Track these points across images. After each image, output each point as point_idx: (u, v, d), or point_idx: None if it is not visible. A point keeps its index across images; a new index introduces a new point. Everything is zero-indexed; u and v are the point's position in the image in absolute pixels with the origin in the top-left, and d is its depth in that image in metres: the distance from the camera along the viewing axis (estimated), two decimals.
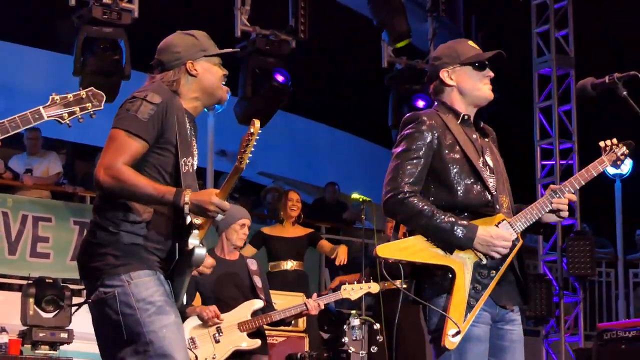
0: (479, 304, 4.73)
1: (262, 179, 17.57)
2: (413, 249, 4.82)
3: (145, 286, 4.49)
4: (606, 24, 15.07)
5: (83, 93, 4.69)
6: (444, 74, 5.01)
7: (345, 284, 8.57)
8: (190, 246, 4.52)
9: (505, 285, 4.85)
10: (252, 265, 8.16)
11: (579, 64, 14.57)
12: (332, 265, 13.06)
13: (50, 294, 10.14)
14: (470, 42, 5.13)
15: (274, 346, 9.04)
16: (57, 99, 4.67)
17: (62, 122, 4.63)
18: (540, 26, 15.11)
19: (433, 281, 4.82)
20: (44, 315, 10.03)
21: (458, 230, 4.70)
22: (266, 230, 10.49)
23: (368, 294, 8.72)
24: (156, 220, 4.57)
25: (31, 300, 10.05)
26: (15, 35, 16.41)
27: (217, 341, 7.82)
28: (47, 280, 10.28)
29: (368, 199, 9.86)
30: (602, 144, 5.05)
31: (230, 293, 7.96)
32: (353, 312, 9.24)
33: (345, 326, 9.27)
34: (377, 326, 9.25)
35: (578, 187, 4.97)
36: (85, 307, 11.54)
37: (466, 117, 4.98)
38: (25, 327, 10.01)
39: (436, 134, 4.85)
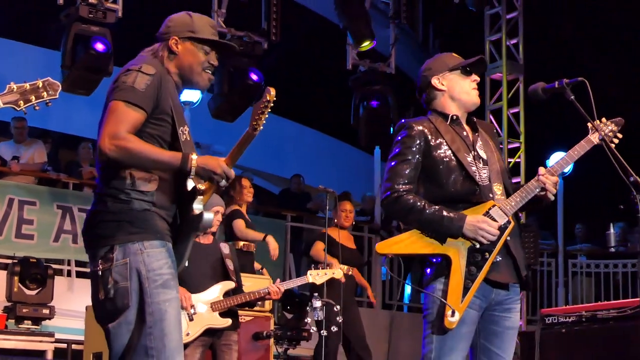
0: (475, 285, 4.76)
1: (233, 170, 17.53)
2: (407, 241, 4.92)
3: (156, 257, 4.32)
4: (553, 33, 15.12)
5: (40, 83, 4.60)
6: (435, 81, 5.09)
7: (311, 268, 8.60)
8: (197, 211, 4.38)
9: (502, 265, 4.87)
10: (225, 249, 8.15)
11: (527, 70, 14.65)
12: (296, 251, 13.10)
13: (34, 272, 10.12)
14: (454, 54, 5.22)
15: (242, 325, 9.03)
16: (14, 88, 4.58)
17: (18, 109, 4.55)
18: (492, 34, 15.17)
19: (431, 267, 4.88)
20: (28, 292, 9.99)
21: (447, 220, 4.77)
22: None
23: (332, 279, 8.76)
24: (162, 187, 4.39)
25: (16, 278, 10.01)
26: (6, 30, 16.32)
27: (191, 319, 7.79)
28: (31, 260, 10.26)
29: (331, 190, 9.85)
30: (589, 124, 5.06)
31: (204, 274, 7.94)
32: (315, 294, 9.23)
33: (307, 307, 9.27)
34: (337, 308, 9.27)
35: (566, 167, 5.04)
36: (66, 284, 11.53)
37: (455, 117, 5.07)
38: (10, 303, 9.98)
39: (424, 138, 4.96)
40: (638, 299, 7.59)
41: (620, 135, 5.10)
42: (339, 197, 10.56)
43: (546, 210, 5.03)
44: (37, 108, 4.57)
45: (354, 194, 16.36)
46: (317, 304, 9.06)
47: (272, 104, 4.42)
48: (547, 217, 15.24)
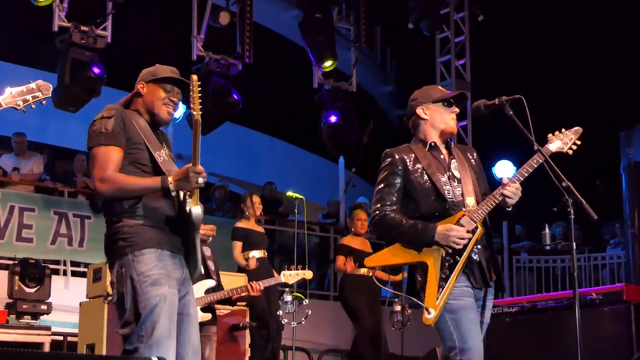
0: (449, 285, 4.85)
1: (211, 178, 17.51)
2: (389, 254, 5.10)
3: (145, 262, 4.59)
4: (497, 55, 15.21)
5: (33, 85, 4.72)
6: (419, 110, 5.20)
7: (284, 269, 8.68)
8: (187, 210, 4.61)
9: (475, 269, 4.98)
10: (207, 251, 8.15)
11: (474, 88, 14.71)
12: (270, 249, 13.08)
13: (33, 272, 10.07)
14: (440, 87, 5.35)
15: (220, 318, 9.02)
16: (12, 92, 4.69)
17: (18, 108, 4.67)
18: (442, 56, 15.24)
19: (420, 275, 4.98)
20: (27, 290, 9.94)
21: (421, 231, 4.92)
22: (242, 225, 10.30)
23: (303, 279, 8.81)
24: (154, 204, 4.67)
25: (16, 277, 9.97)
26: (4, 54, 16.24)
27: None
28: (30, 261, 10.21)
29: (300, 196, 9.88)
30: (549, 135, 5.17)
31: None
32: (286, 289, 9.25)
33: (279, 301, 9.27)
34: (305, 302, 9.29)
35: (527, 175, 5.03)
36: (62, 283, 11.47)
37: (433, 144, 5.17)
38: (11, 300, 9.92)
39: (403, 164, 5.10)
40: (571, 291, 7.66)
41: (579, 142, 5.18)
42: (353, 207, 10.75)
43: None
44: (33, 107, 4.68)
45: (320, 200, 16.43)
46: (288, 298, 9.09)
47: (199, 87, 4.58)
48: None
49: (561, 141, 5.14)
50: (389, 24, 17.42)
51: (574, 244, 4.94)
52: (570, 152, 5.16)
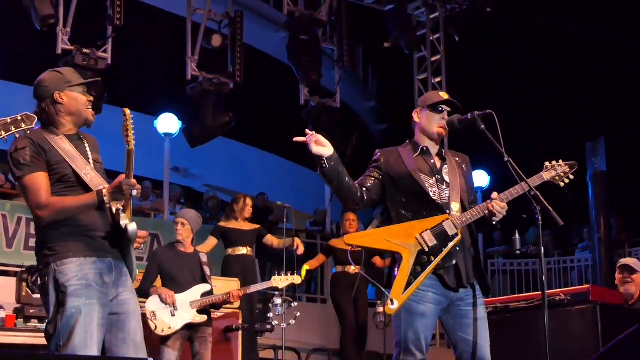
0: (417, 282, 4.77)
1: (206, 190, 17.50)
2: (372, 237, 5.07)
3: (64, 272, 4.43)
4: (470, 73, 15.26)
5: (19, 117, 4.60)
6: (414, 114, 5.18)
7: (275, 274, 8.68)
8: (123, 225, 4.49)
9: (450, 271, 4.90)
10: (204, 257, 8.19)
11: None
12: (262, 256, 13.07)
13: (35, 278, 10.04)
14: (441, 93, 5.27)
15: (215, 320, 9.02)
16: None
17: (0, 137, 4.60)
18: (420, 74, 15.30)
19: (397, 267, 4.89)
20: (34, 295, 9.90)
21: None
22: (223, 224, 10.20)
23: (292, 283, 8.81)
24: (86, 214, 4.51)
25: (24, 284, 9.93)
26: (12, 75, 16.23)
27: (173, 315, 7.79)
28: (39, 269, 10.17)
29: (288, 206, 9.88)
30: (547, 163, 5.14)
31: (186, 278, 7.96)
32: (277, 293, 9.25)
33: (270, 304, 9.27)
34: (294, 304, 9.29)
35: (516, 195, 5.00)
36: None
37: (425, 148, 5.11)
38: (19, 305, 9.89)
39: (388, 160, 5.07)
40: (541, 292, 7.66)
41: (572, 177, 5.16)
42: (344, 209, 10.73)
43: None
44: (17, 136, 4.61)
45: (307, 209, 16.44)
46: (278, 301, 9.09)
47: (131, 121, 4.46)
48: None
49: (556, 172, 5.12)
50: (370, 44, 17.46)
51: (543, 248, 4.95)
52: (562, 184, 5.13)
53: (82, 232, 4.49)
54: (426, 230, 4.86)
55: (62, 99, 4.68)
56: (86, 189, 4.54)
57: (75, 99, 4.70)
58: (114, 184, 4.44)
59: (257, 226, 10.10)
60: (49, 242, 4.48)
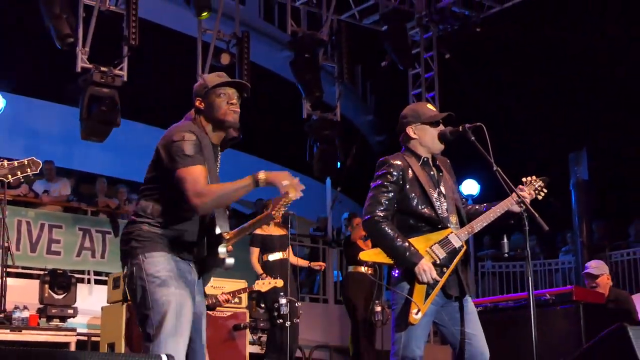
0: (435, 291, 4.78)
1: None
2: (384, 254, 4.90)
3: (154, 263, 4.30)
4: (460, 89, 15.28)
5: (25, 161, 4.61)
6: (409, 130, 5.05)
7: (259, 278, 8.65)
8: (222, 256, 4.32)
9: (453, 281, 4.89)
10: None
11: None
12: None
13: (61, 281, 10.07)
14: (429, 105, 5.21)
15: (223, 318, 9.03)
16: (5, 164, 4.61)
17: (6, 180, 4.57)
18: (414, 89, 15.29)
19: (399, 271, 4.88)
20: (56, 296, 9.94)
21: (408, 258, 4.77)
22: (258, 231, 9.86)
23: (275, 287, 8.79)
24: (177, 217, 4.36)
25: (46, 285, 9.96)
26: (35, 92, 16.27)
27: None
28: (58, 271, 10.20)
29: (292, 212, 9.86)
30: (524, 179, 5.13)
31: None
32: (281, 293, 9.21)
33: (275, 304, 9.25)
34: (298, 304, 9.27)
35: (500, 214, 5.00)
36: (86, 290, 11.45)
37: (425, 159, 5.04)
38: (42, 305, 9.91)
39: (401, 174, 4.92)
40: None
41: (545, 191, 5.13)
42: (352, 214, 10.65)
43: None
44: (21, 180, 4.58)
45: (309, 216, 16.42)
46: (283, 301, 9.07)
47: (287, 202, 4.50)
48: None
49: (534, 187, 5.10)
50: (368, 62, 17.48)
51: (529, 251, 4.95)
52: (540, 197, 5.10)
53: (174, 236, 4.37)
54: (435, 243, 4.86)
55: (202, 105, 4.52)
56: None
57: (214, 103, 4.50)
58: (277, 174, 4.34)
59: (286, 231, 9.94)
60: (139, 236, 4.36)
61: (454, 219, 4.97)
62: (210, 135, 4.52)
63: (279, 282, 8.65)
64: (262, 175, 4.31)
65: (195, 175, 4.26)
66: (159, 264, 4.32)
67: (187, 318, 4.32)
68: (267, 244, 9.77)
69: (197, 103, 4.51)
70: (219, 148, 4.63)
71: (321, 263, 10.04)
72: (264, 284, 8.55)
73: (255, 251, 9.74)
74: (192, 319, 4.37)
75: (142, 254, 4.33)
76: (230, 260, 4.36)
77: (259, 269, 9.59)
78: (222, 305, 8.40)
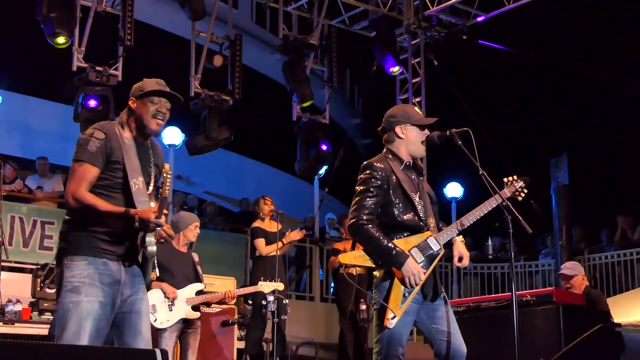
0: (411, 296, 4.75)
1: (206, 196, 17.47)
2: (364, 257, 4.85)
3: (71, 267, 4.27)
4: (447, 94, 15.29)
5: None
6: (398, 129, 4.98)
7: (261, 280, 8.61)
8: (147, 244, 4.29)
9: (429, 283, 4.86)
10: (195, 257, 8.13)
11: None
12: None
13: (53, 275, 10.00)
14: (417, 108, 5.13)
15: (212, 315, 8.99)
16: None
17: None
18: (402, 94, 15.29)
19: (382, 273, 4.84)
20: (48, 290, 9.87)
21: (394, 255, 4.72)
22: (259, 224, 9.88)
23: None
24: (106, 220, 4.30)
25: (39, 280, 9.90)
26: (31, 90, 16.21)
27: (171, 310, 7.75)
28: (50, 266, 10.13)
29: (281, 211, 9.82)
30: (505, 179, 5.09)
31: (179, 276, 7.90)
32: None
33: (263, 301, 9.21)
34: (285, 301, 9.25)
35: (484, 213, 4.96)
36: None
37: (408, 163, 4.99)
38: (34, 299, 9.86)
39: (386, 179, 4.86)
40: (509, 293, 7.68)
41: (526, 191, 5.09)
42: (342, 217, 10.61)
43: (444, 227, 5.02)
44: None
45: (298, 215, 16.39)
46: (271, 297, 9.03)
47: (169, 176, 4.32)
48: None
49: (515, 187, 5.05)
50: (357, 66, 17.48)
51: (512, 253, 4.95)
52: (520, 198, 5.06)
53: (101, 234, 4.31)
54: (413, 247, 4.83)
55: (133, 105, 4.53)
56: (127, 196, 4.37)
57: (143, 107, 4.50)
58: (146, 213, 4.23)
59: (280, 228, 9.87)
60: (67, 237, 4.34)
61: (431, 222, 4.95)
62: (135, 134, 4.51)
63: (281, 285, 8.64)
64: (133, 211, 4.24)
65: (83, 174, 4.30)
66: (76, 268, 4.28)
67: (94, 325, 4.23)
68: (267, 238, 9.75)
69: (130, 102, 4.53)
70: (149, 144, 4.59)
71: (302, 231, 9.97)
72: (267, 286, 8.53)
73: (261, 241, 9.67)
74: (127, 317, 4.35)
75: (66, 256, 4.32)
76: (152, 248, 4.30)
77: (272, 248, 9.45)
78: (227, 302, 8.35)
